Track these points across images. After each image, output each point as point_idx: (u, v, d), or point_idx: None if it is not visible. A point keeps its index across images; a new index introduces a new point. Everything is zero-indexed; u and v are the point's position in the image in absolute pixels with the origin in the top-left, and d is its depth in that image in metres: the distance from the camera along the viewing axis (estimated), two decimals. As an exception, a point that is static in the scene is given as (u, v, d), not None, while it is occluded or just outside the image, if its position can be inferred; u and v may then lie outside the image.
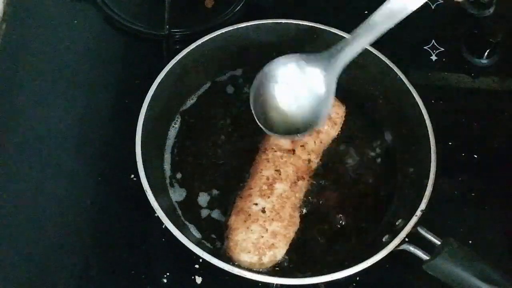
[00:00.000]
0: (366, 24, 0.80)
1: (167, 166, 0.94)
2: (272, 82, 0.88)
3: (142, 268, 0.87)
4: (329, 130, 0.95)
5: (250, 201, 0.86)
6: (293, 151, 0.90)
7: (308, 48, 0.99)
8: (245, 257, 0.82)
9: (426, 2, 1.17)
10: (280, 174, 0.88)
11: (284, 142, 0.91)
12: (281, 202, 0.86)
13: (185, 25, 1.09)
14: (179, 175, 0.93)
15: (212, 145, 0.96)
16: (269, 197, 0.86)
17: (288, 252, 0.86)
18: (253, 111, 0.88)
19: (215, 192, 0.92)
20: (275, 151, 0.90)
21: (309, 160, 0.91)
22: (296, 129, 0.88)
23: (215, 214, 0.90)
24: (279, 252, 0.84)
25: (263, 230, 0.83)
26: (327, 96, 0.86)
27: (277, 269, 0.84)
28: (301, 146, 0.91)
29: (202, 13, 1.12)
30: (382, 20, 0.78)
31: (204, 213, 0.90)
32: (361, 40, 0.81)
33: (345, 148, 0.97)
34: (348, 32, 0.97)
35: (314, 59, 0.86)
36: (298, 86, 0.88)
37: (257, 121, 0.88)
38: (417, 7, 0.77)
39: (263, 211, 0.85)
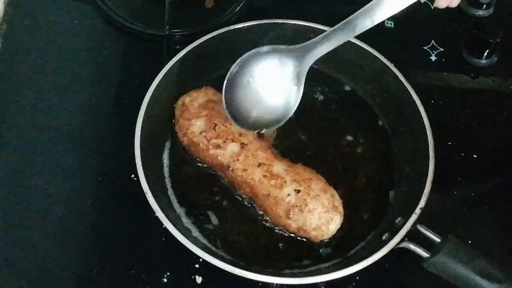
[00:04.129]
0: (347, 21, 0.82)
1: (166, 166, 0.94)
2: (246, 76, 0.90)
3: (142, 268, 0.87)
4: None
5: (281, 199, 0.85)
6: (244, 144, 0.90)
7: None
8: (333, 226, 0.85)
9: (426, 2, 1.17)
10: (263, 163, 0.88)
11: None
12: (293, 171, 0.87)
13: (185, 25, 1.09)
14: (179, 175, 0.93)
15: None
16: (284, 182, 0.86)
17: (288, 251, 0.87)
18: (224, 105, 0.89)
19: (215, 192, 0.92)
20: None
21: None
22: (265, 122, 0.91)
23: (216, 214, 0.90)
24: (337, 197, 0.87)
25: (315, 200, 0.85)
26: (297, 89, 0.89)
27: (280, 270, 0.85)
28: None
29: (202, 13, 1.13)
30: (363, 20, 0.80)
31: (204, 212, 0.90)
32: (338, 37, 0.83)
33: (343, 146, 0.97)
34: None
35: (287, 53, 0.88)
36: (270, 80, 0.90)
37: (228, 116, 0.90)
38: (396, 12, 0.79)
39: (298, 191, 0.85)
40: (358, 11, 0.80)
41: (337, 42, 0.84)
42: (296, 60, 0.88)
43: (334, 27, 0.83)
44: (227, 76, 0.89)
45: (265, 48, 0.89)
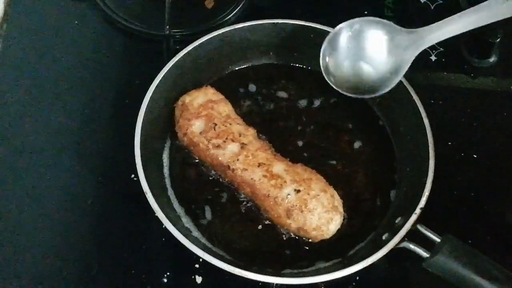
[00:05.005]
0: (467, 12, 0.81)
1: (166, 166, 0.94)
2: (354, 38, 0.92)
3: (142, 268, 0.87)
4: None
5: (281, 199, 0.85)
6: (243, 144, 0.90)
7: (305, 47, 1.00)
8: (333, 226, 0.85)
9: (425, 2, 1.18)
10: (263, 163, 0.88)
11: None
12: (293, 171, 0.87)
13: (185, 25, 1.09)
14: (179, 175, 0.93)
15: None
16: (284, 182, 0.86)
17: (288, 251, 0.87)
18: (321, 61, 0.93)
19: (215, 192, 0.92)
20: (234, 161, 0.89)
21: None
22: (360, 89, 0.93)
23: (216, 214, 0.90)
24: (337, 197, 0.87)
25: (315, 200, 0.85)
26: (398, 70, 0.89)
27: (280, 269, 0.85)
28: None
29: (202, 14, 1.13)
30: (485, 13, 0.80)
31: (204, 212, 0.90)
32: (454, 26, 0.83)
33: (343, 146, 0.97)
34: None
35: (402, 34, 0.89)
36: (376, 51, 0.92)
37: (323, 72, 0.93)
38: None
39: (298, 191, 0.85)
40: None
41: (452, 31, 0.84)
42: (406, 43, 0.88)
43: (452, 16, 0.83)
44: (333, 31, 0.93)
45: (383, 20, 0.91)
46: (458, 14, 0.82)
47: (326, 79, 0.93)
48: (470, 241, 0.87)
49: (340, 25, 0.93)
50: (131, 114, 0.89)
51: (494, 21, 0.79)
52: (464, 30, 0.83)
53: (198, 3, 1.14)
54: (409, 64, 0.89)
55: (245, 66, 1.04)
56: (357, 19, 0.92)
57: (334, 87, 0.94)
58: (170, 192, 0.91)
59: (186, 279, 0.86)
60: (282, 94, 1.02)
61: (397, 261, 0.85)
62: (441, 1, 1.16)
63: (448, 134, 1.00)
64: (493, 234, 0.92)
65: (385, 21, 0.91)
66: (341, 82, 0.94)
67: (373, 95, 0.93)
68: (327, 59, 0.94)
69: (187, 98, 0.94)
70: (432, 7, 1.16)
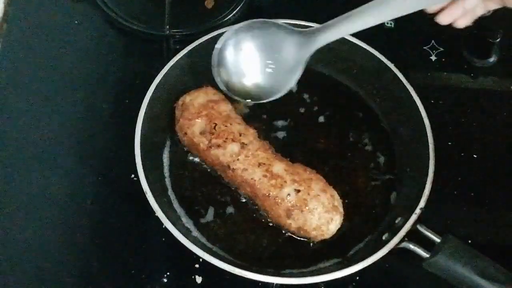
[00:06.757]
0: (357, 11, 0.79)
1: (166, 166, 0.94)
2: (242, 43, 0.87)
3: (142, 268, 0.87)
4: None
5: (281, 199, 0.85)
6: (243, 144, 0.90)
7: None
8: (333, 226, 0.85)
9: (426, 2, 1.17)
10: (263, 163, 0.87)
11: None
12: (293, 171, 0.87)
13: (185, 25, 1.09)
14: (179, 175, 0.93)
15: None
16: (284, 182, 0.86)
17: (288, 251, 0.87)
18: (214, 73, 0.87)
19: (215, 192, 0.92)
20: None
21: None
22: (257, 95, 0.89)
23: (216, 213, 0.90)
24: (337, 197, 0.87)
25: (315, 200, 0.84)
26: (294, 71, 0.85)
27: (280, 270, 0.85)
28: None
29: (202, 13, 1.13)
30: (375, 13, 0.77)
31: (205, 212, 0.90)
32: (346, 26, 0.80)
33: (343, 146, 0.97)
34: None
35: (292, 33, 0.85)
36: (268, 54, 0.87)
37: (218, 83, 0.88)
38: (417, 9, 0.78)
39: (298, 191, 0.85)
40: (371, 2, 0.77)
41: (344, 31, 0.81)
42: (298, 43, 0.84)
43: (344, 15, 0.80)
44: (220, 39, 0.88)
45: (270, 21, 0.86)
46: (354, 11, 0.79)
47: (220, 86, 0.88)
48: (470, 241, 0.87)
49: (227, 33, 0.88)
50: (131, 114, 0.89)
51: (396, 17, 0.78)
52: (362, 28, 0.79)
53: (198, 3, 1.14)
54: (304, 65, 0.84)
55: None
56: (245, 22, 0.87)
57: (229, 93, 0.89)
58: (170, 192, 0.91)
59: (186, 279, 0.86)
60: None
61: (397, 261, 0.85)
62: (441, 1, 1.16)
63: (448, 134, 1.01)
64: (493, 234, 0.92)
65: (273, 21, 0.87)
66: (235, 89, 0.89)
67: (271, 99, 0.88)
68: (217, 68, 0.88)
69: (187, 98, 0.94)
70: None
